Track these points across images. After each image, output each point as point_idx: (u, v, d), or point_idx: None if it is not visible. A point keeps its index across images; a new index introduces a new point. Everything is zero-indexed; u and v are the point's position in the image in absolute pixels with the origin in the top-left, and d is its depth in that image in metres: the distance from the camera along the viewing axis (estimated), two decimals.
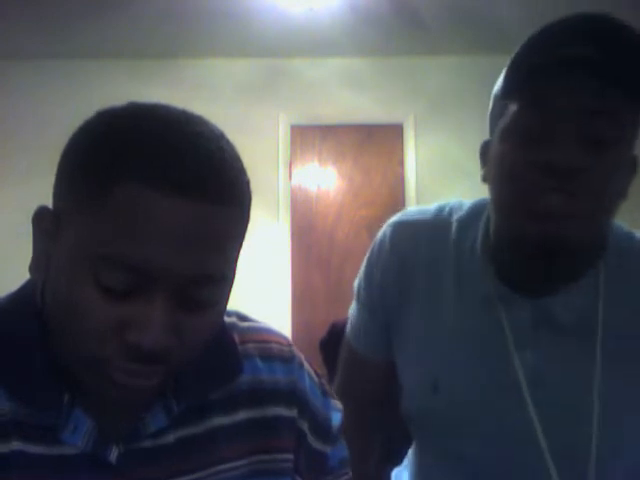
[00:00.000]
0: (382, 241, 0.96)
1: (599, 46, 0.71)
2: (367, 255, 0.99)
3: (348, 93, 4.07)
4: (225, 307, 0.58)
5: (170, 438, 0.60)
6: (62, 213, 0.54)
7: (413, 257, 0.91)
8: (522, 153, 0.74)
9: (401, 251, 0.92)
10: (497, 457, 0.84)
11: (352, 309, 1.03)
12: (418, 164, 4.01)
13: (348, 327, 1.03)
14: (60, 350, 0.57)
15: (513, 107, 0.75)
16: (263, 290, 3.84)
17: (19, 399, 0.55)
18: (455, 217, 0.92)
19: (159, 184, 0.48)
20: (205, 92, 3.89)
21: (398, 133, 4.06)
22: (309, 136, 4.08)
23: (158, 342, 0.50)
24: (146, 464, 0.58)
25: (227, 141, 0.55)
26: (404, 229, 0.94)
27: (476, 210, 0.92)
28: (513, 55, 0.76)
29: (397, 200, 3.99)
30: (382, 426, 1.08)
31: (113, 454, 0.57)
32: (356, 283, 1.00)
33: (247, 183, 0.55)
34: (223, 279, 0.53)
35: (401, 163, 4.04)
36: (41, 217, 0.56)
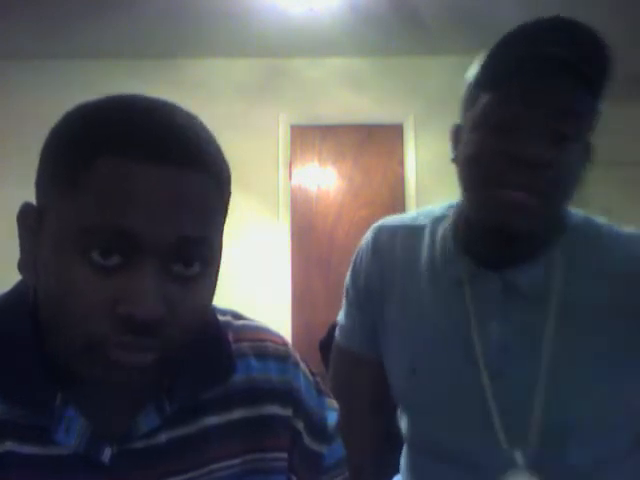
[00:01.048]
0: (365, 245, 1.06)
1: (572, 48, 0.76)
2: (353, 258, 1.09)
3: (348, 93, 4.06)
4: (214, 287, 0.58)
5: (163, 438, 0.60)
6: (44, 205, 0.55)
7: (392, 258, 1.00)
8: (491, 142, 0.80)
9: (381, 254, 1.02)
10: (458, 427, 0.91)
11: (341, 314, 1.10)
12: (418, 164, 4.01)
13: (337, 333, 1.09)
14: (54, 348, 0.56)
15: (486, 98, 0.81)
16: (263, 290, 3.84)
17: (12, 400, 0.55)
18: (429, 216, 1.01)
19: (131, 154, 0.50)
20: (205, 92, 3.89)
21: (398, 133, 4.05)
22: (309, 136, 4.08)
23: (150, 311, 0.50)
24: (139, 464, 0.58)
25: (195, 118, 0.57)
26: (383, 233, 1.05)
27: (449, 206, 1.00)
28: (491, 48, 0.83)
29: (397, 200, 3.99)
30: (377, 431, 1.09)
31: (106, 454, 0.57)
32: (345, 285, 1.09)
33: (220, 156, 0.57)
34: (206, 244, 0.54)
35: (401, 163, 4.04)
36: (25, 214, 0.57)
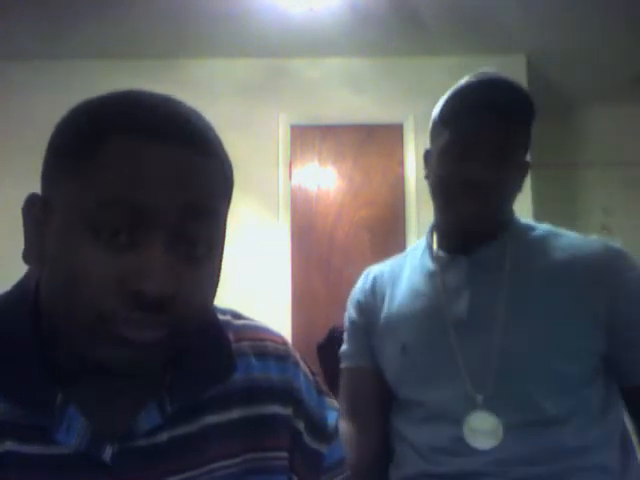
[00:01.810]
0: (355, 288, 1.33)
1: (504, 96, 1.08)
2: (353, 291, 1.33)
3: (348, 93, 4.06)
4: (218, 274, 0.59)
5: (164, 437, 0.60)
6: (51, 194, 0.56)
7: (381, 275, 1.29)
8: (452, 168, 1.11)
9: (372, 275, 1.31)
10: (437, 387, 1.11)
11: (343, 347, 1.29)
12: (418, 164, 4.01)
13: (342, 361, 1.27)
14: (55, 345, 0.57)
15: (446, 133, 1.13)
16: (263, 290, 3.84)
17: (12, 399, 0.55)
18: (413, 246, 1.33)
19: (138, 134, 0.53)
20: (205, 92, 3.89)
21: (398, 133, 4.05)
22: (309, 136, 4.08)
23: (158, 287, 0.51)
24: (140, 463, 0.58)
25: (196, 110, 0.61)
26: (373, 267, 1.33)
27: (427, 233, 1.28)
28: (445, 98, 1.16)
29: (397, 200, 3.99)
30: (384, 441, 1.21)
31: (107, 453, 0.57)
32: (346, 316, 1.31)
33: (221, 146, 0.60)
34: (211, 220, 0.56)
35: (401, 163, 4.03)
36: (31, 204, 0.58)
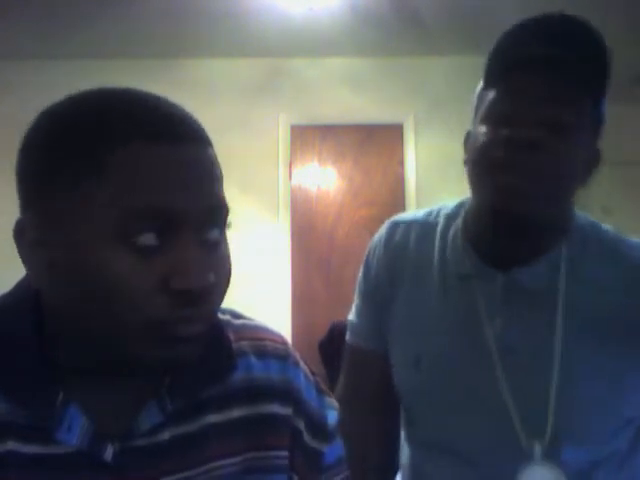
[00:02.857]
0: (378, 240, 1.08)
1: (568, 46, 0.84)
2: (366, 252, 1.10)
3: (348, 93, 4.06)
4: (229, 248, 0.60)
5: (165, 436, 0.60)
6: (52, 208, 0.54)
7: (404, 253, 1.03)
8: (494, 132, 0.85)
9: (393, 248, 1.04)
10: (470, 425, 0.92)
11: (351, 313, 1.11)
12: (418, 164, 4.01)
13: (348, 333, 1.10)
14: (56, 345, 0.57)
15: (489, 96, 0.88)
16: (263, 290, 3.84)
17: (13, 399, 0.55)
18: (442, 213, 1.04)
19: (148, 137, 0.53)
20: (205, 92, 3.89)
21: (398, 133, 4.06)
22: (309, 136, 4.08)
23: (202, 280, 0.53)
24: (141, 462, 0.58)
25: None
26: (397, 229, 1.06)
27: (461, 204, 1.03)
28: (491, 49, 0.90)
29: (397, 200, 3.99)
30: (382, 430, 1.09)
31: (108, 452, 0.57)
32: (357, 280, 1.10)
33: (203, 130, 0.60)
34: (225, 209, 0.58)
35: (401, 163, 4.04)
36: (23, 230, 0.56)
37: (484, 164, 0.86)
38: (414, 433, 1.02)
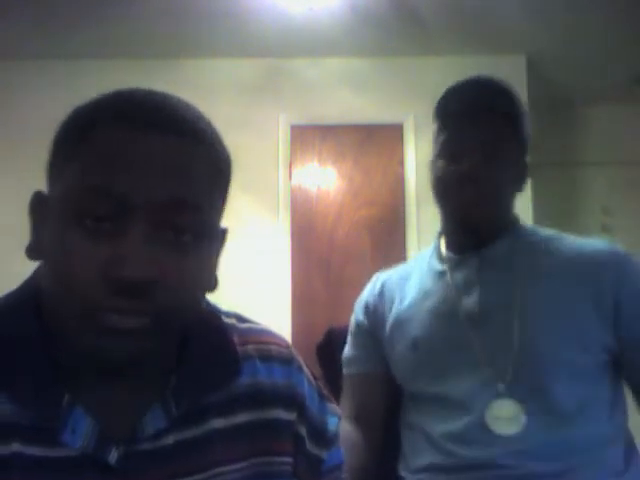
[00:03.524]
0: (363, 292, 1.34)
1: (483, 98, 1.18)
2: (361, 295, 1.35)
3: (348, 93, 4.06)
4: (209, 264, 0.59)
5: (169, 440, 0.60)
6: (49, 188, 0.57)
7: (389, 279, 1.32)
8: (446, 167, 1.19)
9: (381, 279, 1.33)
10: (455, 380, 1.14)
11: (346, 351, 1.30)
12: (418, 164, 4.01)
13: (345, 368, 1.29)
14: (59, 346, 0.56)
15: (441, 136, 1.22)
16: (263, 290, 3.84)
17: (18, 401, 0.55)
18: (421, 253, 1.38)
19: (131, 122, 0.54)
20: (205, 92, 3.88)
21: (398, 133, 4.05)
22: (309, 136, 4.08)
23: (138, 271, 0.51)
24: (146, 466, 0.58)
25: (190, 104, 0.61)
26: (378, 276, 1.35)
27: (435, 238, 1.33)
28: (437, 103, 1.25)
29: (397, 200, 3.99)
30: (386, 442, 1.22)
31: (113, 456, 0.56)
32: (352, 321, 1.33)
33: (216, 138, 0.60)
34: (198, 213, 0.56)
35: (401, 163, 4.03)
36: (36, 202, 0.59)
37: (445, 191, 1.20)
38: (410, 399, 1.22)
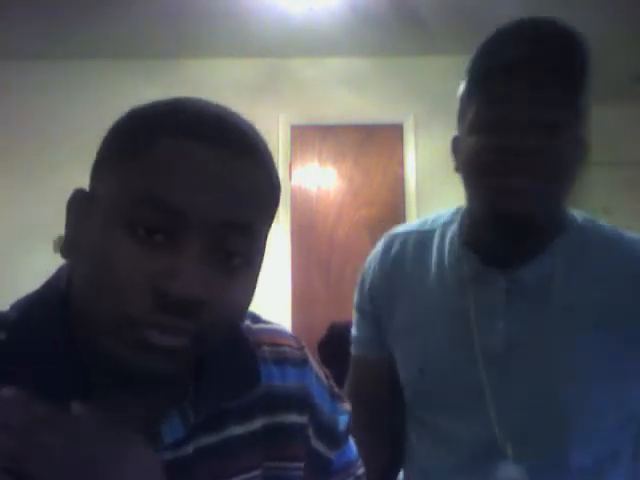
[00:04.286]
0: (374, 254, 1.10)
1: (541, 46, 0.84)
2: (363, 267, 1.12)
3: (348, 93, 4.06)
4: (252, 290, 0.58)
5: (189, 449, 0.58)
6: (96, 190, 0.55)
7: (401, 264, 1.05)
8: (486, 141, 0.86)
9: (390, 261, 1.06)
10: (461, 422, 0.96)
11: (353, 328, 1.13)
12: (418, 164, 4.01)
13: (353, 346, 1.13)
14: (84, 347, 0.55)
15: (475, 102, 0.89)
16: (263, 290, 3.82)
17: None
18: (438, 222, 1.07)
19: (198, 135, 0.52)
20: (205, 92, 3.85)
21: (398, 133, 4.05)
22: (309, 136, 4.08)
23: (187, 289, 0.49)
24: (167, 475, 0.56)
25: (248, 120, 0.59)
26: (393, 240, 1.08)
27: (457, 210, 1.05)
28: (471, 59, 0.90)
29: (397, 200, 3.99)
30: (392, 428, 1.11)
31: None
32: (355, 295, 1.12)
33: (271, 159, 0.58)
34: (250, 235, 0.55)
35: (401, 163, 4.04)
36: (76, 200, 0.57)
37: (482, 172, 0.87)
38: (416, 427, 1.05)
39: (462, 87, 0.93)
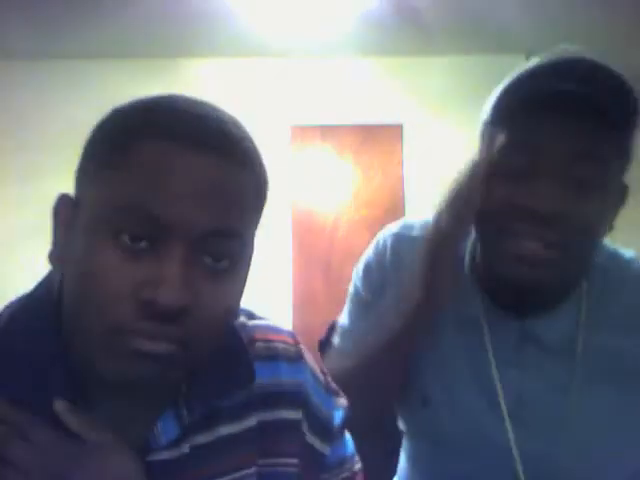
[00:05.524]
0: (383, 250, 0.96)
1: (592, 85, 0.72)
2: (365, 258, 0.99)
3: (348, 93, 4.06)
4: (241, 290, 0.57)
5: (185, 448, 0.58)
6: (81, 195, 0.54)
7: (400, 266, 0.93)
8: (505, 193, 0.76)
9: (401, 266, 0.92)
10: (475, 470, 0.86)
11: (342, 321, 1.00)
12: (418, 164, 4.01)
13: (338, 340, 0.99)
14: (74, 355, 0.55)
15: (501, 139, 0.77)
16: (264, 290, 3.84)
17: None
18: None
19: (180, 139, 0.51)
20: (204, 92, 3.88)
21: (398, 133, 4.05)
22: (309, 136, 4.08)
23: (173, 297, 0.49)
24: (164, 476, 0.57)
25: (237, 120, 0.58)
26: (400, 243, 0.95)
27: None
28: (505, 85, 0.79)
29: (397, 200, 3.99)
30: (388, 425, 1.05)
31: None
32: (353, 286, 1.00)
33: (259, 159, 0.58)
34: (238, 239, 0.54)
35: (401, 163, 4.04)
36: (61, 204, 0.57)
37: (496, 228, 0.78)
38: (414, 457, 0.98)
39: (486, 111, 0.82)
